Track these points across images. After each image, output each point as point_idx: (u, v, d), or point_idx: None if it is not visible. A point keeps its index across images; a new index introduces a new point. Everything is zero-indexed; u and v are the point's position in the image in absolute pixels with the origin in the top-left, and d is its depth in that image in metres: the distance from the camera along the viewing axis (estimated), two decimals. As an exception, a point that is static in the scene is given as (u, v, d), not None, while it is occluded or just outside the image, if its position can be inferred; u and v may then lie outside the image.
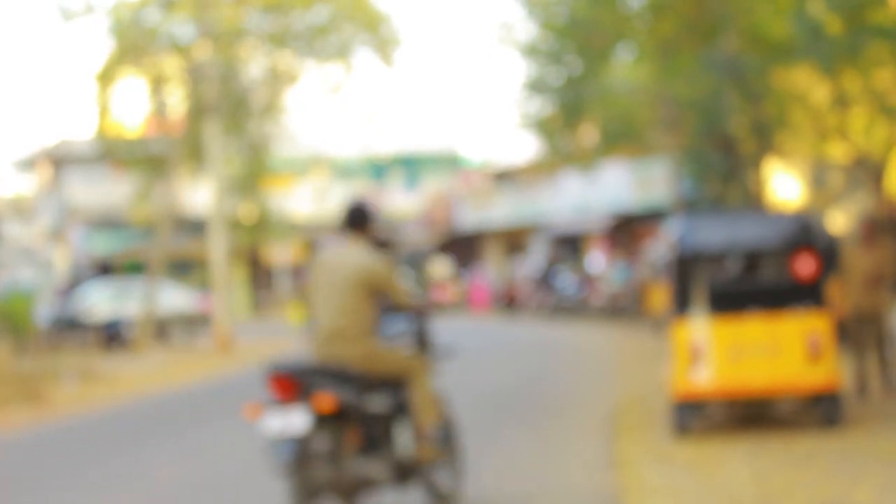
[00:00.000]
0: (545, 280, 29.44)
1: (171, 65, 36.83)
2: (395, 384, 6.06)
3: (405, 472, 6.03)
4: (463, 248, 43.16)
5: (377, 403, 5.97)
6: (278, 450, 5.61)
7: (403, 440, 6.08)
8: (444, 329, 21.62)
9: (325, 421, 5.62)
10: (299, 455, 5.58)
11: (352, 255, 6.00)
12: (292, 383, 5.65)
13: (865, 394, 10.37)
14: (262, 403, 5.73)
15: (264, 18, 38.67)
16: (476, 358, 17.49)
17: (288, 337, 25.77)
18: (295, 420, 5.56)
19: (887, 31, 12.36)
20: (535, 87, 22.42)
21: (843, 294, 10.50)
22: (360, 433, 5.83)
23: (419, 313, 6.35)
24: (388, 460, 5.93)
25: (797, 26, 11.09)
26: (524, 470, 7.97)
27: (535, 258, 35.95)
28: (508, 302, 29.84)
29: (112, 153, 38.03)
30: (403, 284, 6.17)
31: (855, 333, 10.44)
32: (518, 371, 13.87)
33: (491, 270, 38.90)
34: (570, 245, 35.03)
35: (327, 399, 5.61)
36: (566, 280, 28.69)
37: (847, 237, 14.44)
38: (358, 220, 6.13)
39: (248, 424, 10.83)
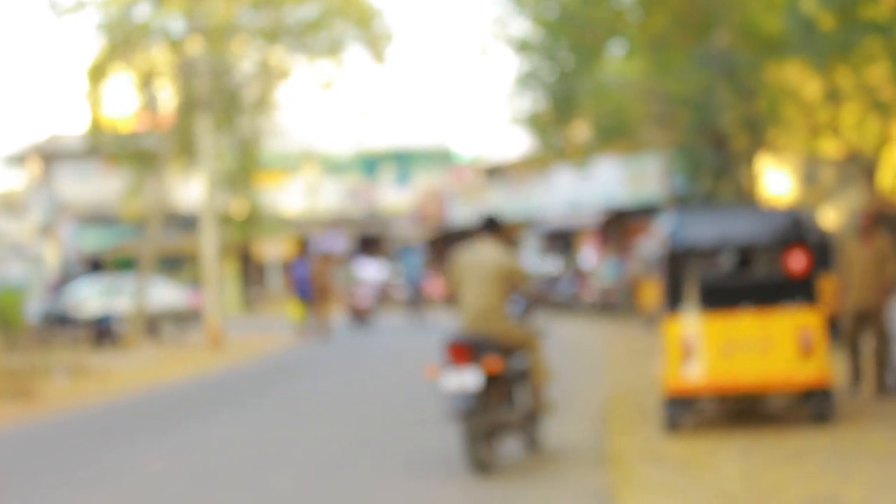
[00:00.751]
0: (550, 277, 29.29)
1: (162, 60, 36.70)
2: (511, 352, 7.69)
3: (526, 421, 7.82)
4: (454, 243, 43.10)
5: (509, 366, 7.62)
6: (456, 402, 7.17)
7: (521, 395, 7.82)
8: (438, 326, 21.52)
9: (488, 379, 7.26)
10: (472, 406, 7.12)
11: (490, 253, 7.65)
12: (468, 349, 7.22)
13: (858, 390, 10.35)
14: (439, 365, 7.33)
15: (256, 14, 38.57)
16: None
17: (279, 332, 25.69)
18: (469, 378, 7.13)
19: (880, 27, 12.33)
20: (528, 82, 22.35)
21: (841, 290, 10.45)
22: (503, 389, 7.50)
23: (533, 300, 8.28)
24: (517, 411, 7.67)
25: (790, 21, 11.05)
26: (516, 465, 7.94)
27: (531, 255, 35.83)
28: None
29: (102, 148, 37.85)
30: (530, 275, 7.99)
31: (852, 330, 10.40)
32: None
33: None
34: (562, 241, 35.00)
35: (496, 362, 7.32)
36: (562, 276, 28.64)
37: (845, 232, 14.38)
38: (492, 225, 7.85)
39: (237, 420, 10.82)
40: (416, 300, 24.77)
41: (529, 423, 7.96)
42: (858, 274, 10.29)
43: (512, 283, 7.71)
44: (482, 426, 7.24)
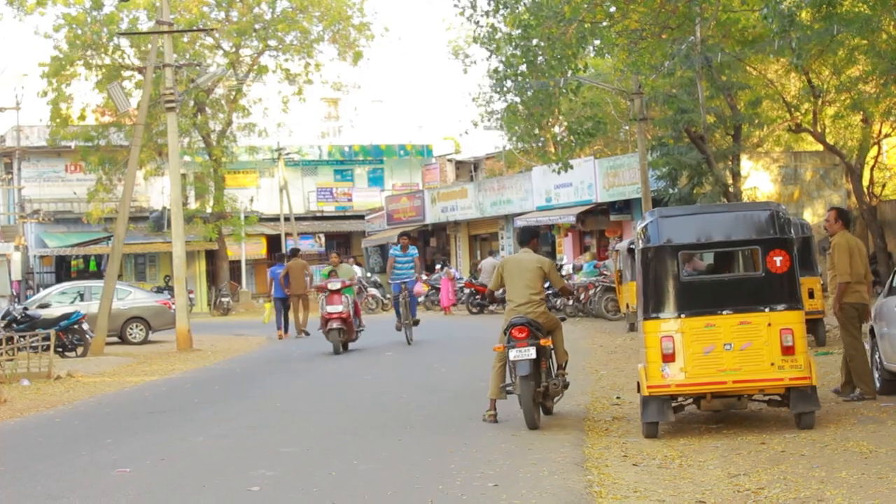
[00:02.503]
0: None
1: (129, 56, 36.27)
2: (547, 333, 9.79)
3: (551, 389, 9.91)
4: (431, 241, 42.91)
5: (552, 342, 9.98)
6: (518, 368, 9.32)
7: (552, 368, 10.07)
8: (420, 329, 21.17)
9: (539, 352, 9.46)
10: (531, 370, 9.32)
11: (530, 257, 9.98)
12: (527, 329, 9.44)
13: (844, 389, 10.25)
14: (505, 343, 9.55)
15: (228, 10, 38.15)
16: (448, 356, 17.23)
17: (250, 334, 25.38)
18: (530, 351, 9.38)
19: (860, 21, 12.20)
20: (503, 80, 22.05)
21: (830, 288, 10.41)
22: (546, 360, 9.71)
23: (563, 293, 11.26)
24: (552, 380, 9.81)
25: (769, 16, 10.89)
26: (496, 469, 7.76)
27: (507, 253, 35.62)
28: (480, 298, 29.06)
29: (67, 144, 37.31)
30: (557, 272, 10.38)
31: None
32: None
33: (459, 264, 38.65)
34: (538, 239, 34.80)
35: (546, 339, 9.64)
36: None
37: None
38: (530, 236, 10.30)
39: (205, 423, 10.55)
40: (408, 308, 18.70)
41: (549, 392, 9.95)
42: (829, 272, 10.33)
43: (548, 281, 10.04)
44: (537, 388, 9.44)
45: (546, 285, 10.03)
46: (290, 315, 22.43)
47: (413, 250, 19.38)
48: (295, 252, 23.06)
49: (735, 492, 6.75)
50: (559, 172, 20.15)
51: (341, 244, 47.43)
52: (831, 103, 23.48)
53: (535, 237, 10.39)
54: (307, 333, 22.11)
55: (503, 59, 18.08)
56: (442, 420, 10.32)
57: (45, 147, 40.38)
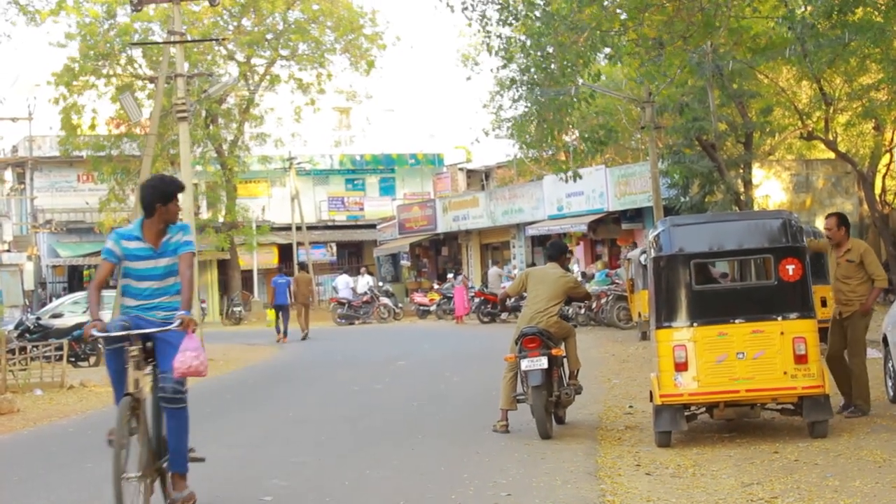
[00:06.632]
0: None
1: (141, 66, 36.43)
2: (559, 342, 9.95)
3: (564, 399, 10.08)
4: (442, 250, 42.92)
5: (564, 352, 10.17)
6: (530, 378, 9.37)
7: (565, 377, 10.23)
8: (426, 336, 21.21)
9: (551, 362, 9.51)
10: (542, 380, 9.37)
11: (558, 272, 10.17)
12: (538, 340, 9.58)
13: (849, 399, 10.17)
14: (517, 353, 9.66)
15: (240, 20, 38.31)
16: (459, 365, 17.21)
17: (262, 343, 25.42)
18: (541, 361, 9.45)
19: (873, 28, 12.17)
20: (514, 89, 22.06)
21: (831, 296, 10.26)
22: (559, 370, 9.82)
23: (584, 300, 12.27)
24: (564, 389, 9.94)
25: (783, 24, 10.87)
26: (509, 478, 7.75)
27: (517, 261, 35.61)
28: (490, 307, 29.02)
29: (79, 154, 37.48)
30: (582, 287, 10.73)
31: (837, 339, 10.20)
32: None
33: (471, 273, 38.64)
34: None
35: (558, 349, 9.75)
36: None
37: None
38: (559, 251, 10.46)
39: (214, 432, 10.55)
40: (143, 422, 6.54)
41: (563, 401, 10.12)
42: (836, 281, 10.02)
43: (569, 294, 10.24)
44: (549, 397, 9.49)
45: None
46: (291, 322, 25.77)
47: (182, 235, 6.80)
48: (303, 266, 27.79)
49: (748, 501, 6.73)
50: (575, 180, 20.15)
51: (353, 253, 47.54)
52: (843, 111, 23.43)
53: (565, 253, 10.58)
54: (307, 336, 25.57)
55: (518, 68, 18.07)
56: (454, 429, 10.32)
57: (58, 157, 40.61)
